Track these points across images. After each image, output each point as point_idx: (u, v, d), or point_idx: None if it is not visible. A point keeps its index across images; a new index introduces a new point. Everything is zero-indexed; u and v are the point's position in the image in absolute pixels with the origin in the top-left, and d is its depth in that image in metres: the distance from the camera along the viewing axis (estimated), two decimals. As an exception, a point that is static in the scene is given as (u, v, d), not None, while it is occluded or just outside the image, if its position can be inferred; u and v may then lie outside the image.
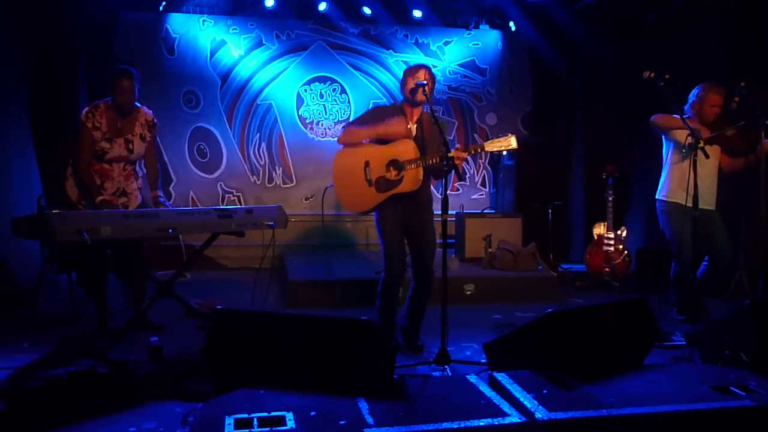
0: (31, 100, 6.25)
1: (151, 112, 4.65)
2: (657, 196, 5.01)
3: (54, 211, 3.47)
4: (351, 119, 4.40)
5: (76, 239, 3.44)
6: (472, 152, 3.97)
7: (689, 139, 4.25)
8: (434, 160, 3.97)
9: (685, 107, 4.87)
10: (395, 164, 4.06)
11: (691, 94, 4.87)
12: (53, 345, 4.17)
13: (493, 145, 3.95)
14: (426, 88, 3.97)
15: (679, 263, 4.88)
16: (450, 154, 3.74)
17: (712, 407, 2.51)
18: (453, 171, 3.77)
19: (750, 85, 4.64)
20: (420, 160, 4.00)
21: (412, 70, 4.15)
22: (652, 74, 4.28)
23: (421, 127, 4.17)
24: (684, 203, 4.63)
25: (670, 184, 4.91)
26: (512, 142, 3.92)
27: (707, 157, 4.23)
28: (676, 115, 4.59)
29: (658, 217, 5.01)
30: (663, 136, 4.97)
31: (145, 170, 4.80)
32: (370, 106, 4.05)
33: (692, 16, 6.74)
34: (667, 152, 4.99)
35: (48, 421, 3.01)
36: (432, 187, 8.00)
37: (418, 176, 4.05)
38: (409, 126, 4.13)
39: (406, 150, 4.05)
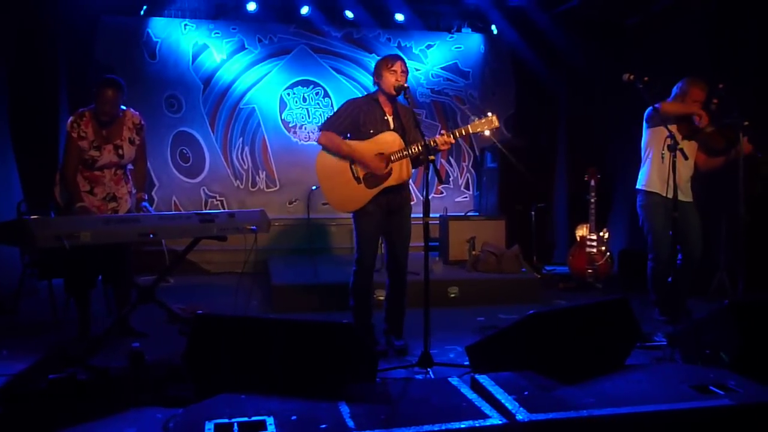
0: (10, 104, 6.18)
1: (138, 113, 4.60)
2: (637, 186, 5.04)
3: (33, 217, 3.44)
4: (327, 117, 4.36)
5: (55, 245, 3.41)
6: (458, 136, 3.98)
7: (668, 141, 4.29)
8: (419, 149, 3.97)
9: (668, 101, 4.92)
10: (382, 157, 4.07)
11: (675, 87, 4.91)
12: (34, 352, 4.12)
13: (477, 127, 3.99)
14: (407, 89, 4.00)
15: (654, 259, 4.93)
16: (436, 140, 3.77)
17: (692, 407, 2.53)
18: (433, 171, 3.77)
19: (728, 87, 4.70)
20: (406, 151, 4.00)
21: (387, 62, 4.11)
22: (632, 77, 4.32)
23: (398, 118, 4.17)
24: (663, 194, 4.68)
25: (650, 174, 4.94)
26: (494, 121, 3.98)
27: (686, 158, 4.27)
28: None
29: (637, 211, 5.05)
30: (645, 126, 5.00)
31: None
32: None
33: (672, 20, 6.81)
34: (645, 143, 5.03)
35: (27, 428, 2.98)
36: (416, 189, 8.02)
37: (407, 167, 4.06)
38: (386, 118, 4.14)
39: (391, 142, 4.05)
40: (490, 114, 3.99)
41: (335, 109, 4.30)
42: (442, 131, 3.96)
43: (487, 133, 4.03)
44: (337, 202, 4.21)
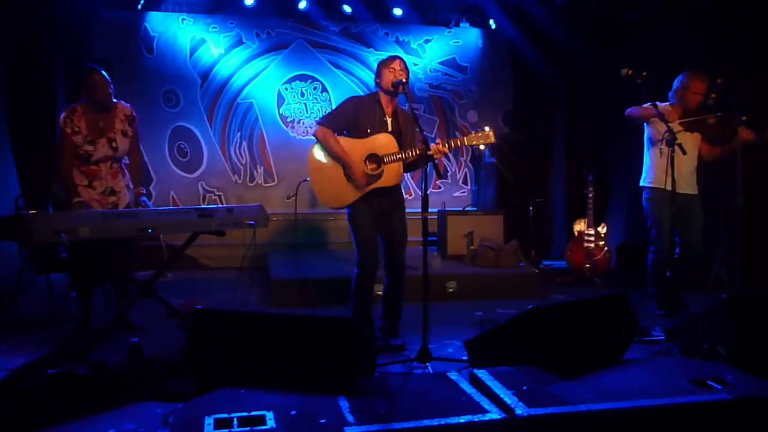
0: (7, 99, 6.17)
1: (128, 105, 4.60)
2: (641, 183, 5.06)
3: (31, 212, 3.43)
4: (328, 111, 4.37)
5: (53, 240, 3.41)
6: (453, 146, 3.98)
7: (667, 135, 4.30)
8: (413, 153, 3.97)
9: (669, 94, 4.95)
10: (374, 158, 4.06)
11: (675, 80, 4.94)
12: (32, 347, 4.13)
13: (473, 140, 4.01)
14: (404, 85, 4.01)
15: (656, 251, 4.95)
16: (430, 150, 3.78)
17: (690, 401, 2.53)
18: (432, 166, 3.81)
19: (727, 81, 4.70)
20: (400, 154, 4.00)
21: (387, 62, 4.17)
22: (630, 71, 4.32)
23: (396, 120, 4.18)
24: (666, 188, 4.69)
25: (654, 170, 4.96)
26: (491, 136, 3.99)
27: (684, 153, 4.28)
28: (647, 105, 4.66)
29: (642, 204, 5.06)
30: (644, 123, 5.02)
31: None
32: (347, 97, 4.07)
33: (670, 13, 6.80)
34: (647, 139, 5.04)
35: (27, 423, 2.98)
36: (414, 184, 8.02)
37: (399, 170, 4.06)
38: (386, 119, 4.15)
39: (385, 144, 4.05)
40: (487, 129, 4.02)
41: (336, 105, 4.29)
42: (438, 140, 3.97)
43: (482, 147, 4.04)
44: (324, 195, 4.20)
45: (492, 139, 3.99)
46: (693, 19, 6.47)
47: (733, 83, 4.74)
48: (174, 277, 6.56)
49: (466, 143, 4.02)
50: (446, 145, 3.91)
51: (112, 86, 4.45)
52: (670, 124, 4.35)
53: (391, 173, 4.06)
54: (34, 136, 6.26)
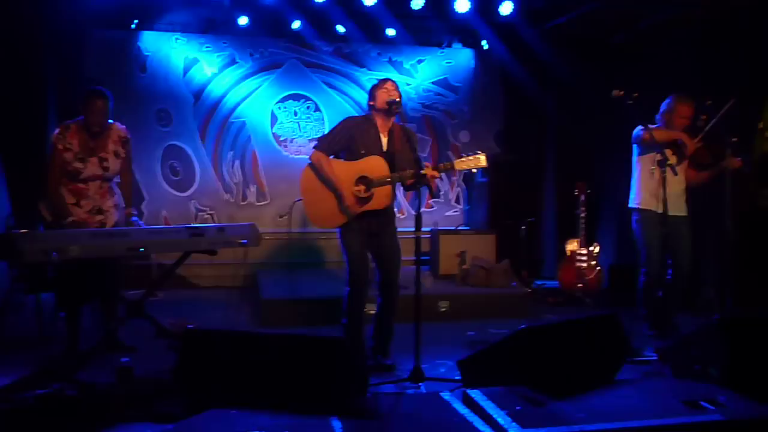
0: (-2, 117, 6.16)
1: (124, 127, 4.61)
2: (630, 205, 5.09)
3: (21, 231, 3.42)
4: (325, 132, 4.38)
5: (44, 259, 3.39)
6: (442, 170, 3.99)
7: (658, 156, 4.34)
8: (405, 175, 3.98)
9: (656, 117, 4.98)
10: (364, 181, 4.06)
11: (663, 104, 4.98)
12: (19, 368, 4.08)
13: (463, 164, 4.00)
14: (398, 104, 4.04)
15: (647, 274, 4.96)
16: (422, 173, 3.79)
17: (682, 422, 2.53)
18: (425, 186, 3.82)
19: (715, 102, 4.76)
20: (390, 178, 4.01)
21: (379, 84, 4.19)
22: (621, 93, 4.37)
23: (392, 140, 4.18)
24: (656, 210, 4.72)
25: (642, 192, 4.99)
26: (482, 160, 3.97)
27: (676, 174, 4.31)
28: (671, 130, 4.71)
29: (632, 226, 5.08)
30: (634, 145, 5.05)
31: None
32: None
33: (659, 36, 6.88)
34: (636, 160, 5.07)
35: (14, 445, 2.94)
36: (407, 203, 8.04)
37: (388, 193, 4.06)
38: (381, 140, 4.14)
39: (376, 166, 4.06)
40: (479, 153, 4.00)
41: (332, 126, 4.31)
42: (427, 164, 3.98)
43: (473, 170, 4.04)
44: (315, 216, 4.21)
45: (483, 164, 3.96)
46: (681, 42, 6.54)
47: (722, 105, 4.79)
48: (165, 297, 6.51)
49: (456, 168, 4.00)
50: (436, 169, 3.93)
51: (110, 114, 4.45)
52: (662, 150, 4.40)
53: (381, 196, 4.06)
54: (25, 155, 6.24)
